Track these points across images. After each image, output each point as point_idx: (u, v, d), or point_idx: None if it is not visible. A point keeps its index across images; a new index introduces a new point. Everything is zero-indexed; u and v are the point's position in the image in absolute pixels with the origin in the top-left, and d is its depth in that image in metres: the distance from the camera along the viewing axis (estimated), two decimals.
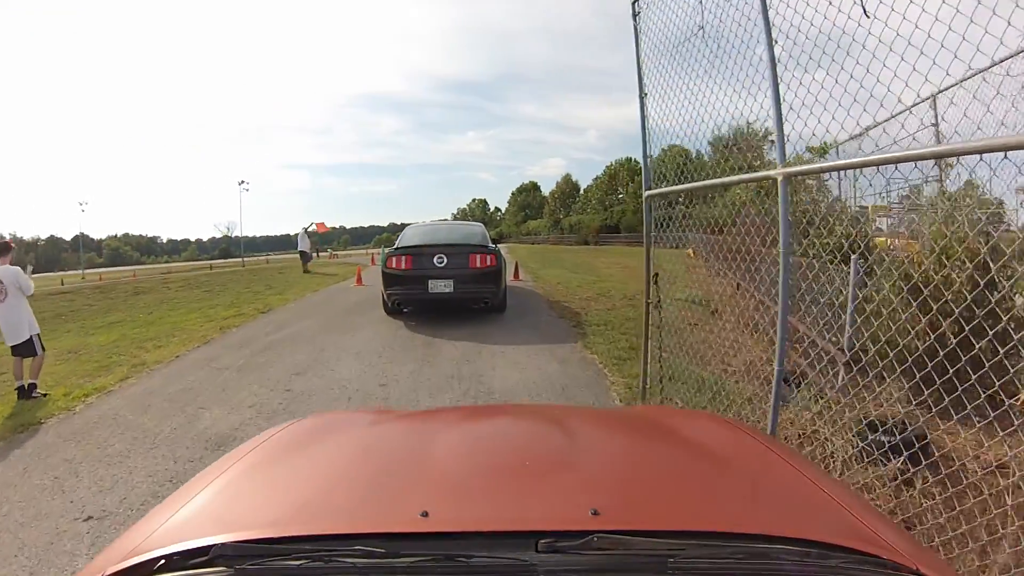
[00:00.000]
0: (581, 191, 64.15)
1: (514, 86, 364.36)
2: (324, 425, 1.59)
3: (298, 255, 19.80)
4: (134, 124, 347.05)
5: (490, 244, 8.96)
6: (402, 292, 8.45)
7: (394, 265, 8.32)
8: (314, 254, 57.74)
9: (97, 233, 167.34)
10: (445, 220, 17.15)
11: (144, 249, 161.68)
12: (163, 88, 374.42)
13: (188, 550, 0.84)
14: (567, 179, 66.40)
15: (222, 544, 0.82)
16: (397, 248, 8.62)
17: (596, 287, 12.03)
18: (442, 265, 8.15)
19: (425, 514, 0.88)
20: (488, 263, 8.37)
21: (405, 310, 8.91)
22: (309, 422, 1.57)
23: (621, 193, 54.43)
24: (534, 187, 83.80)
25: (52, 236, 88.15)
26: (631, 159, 54.68)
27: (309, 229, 20.31)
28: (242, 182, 68.10)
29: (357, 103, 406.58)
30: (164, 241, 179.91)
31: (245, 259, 68.28)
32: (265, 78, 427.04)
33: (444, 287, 8.08)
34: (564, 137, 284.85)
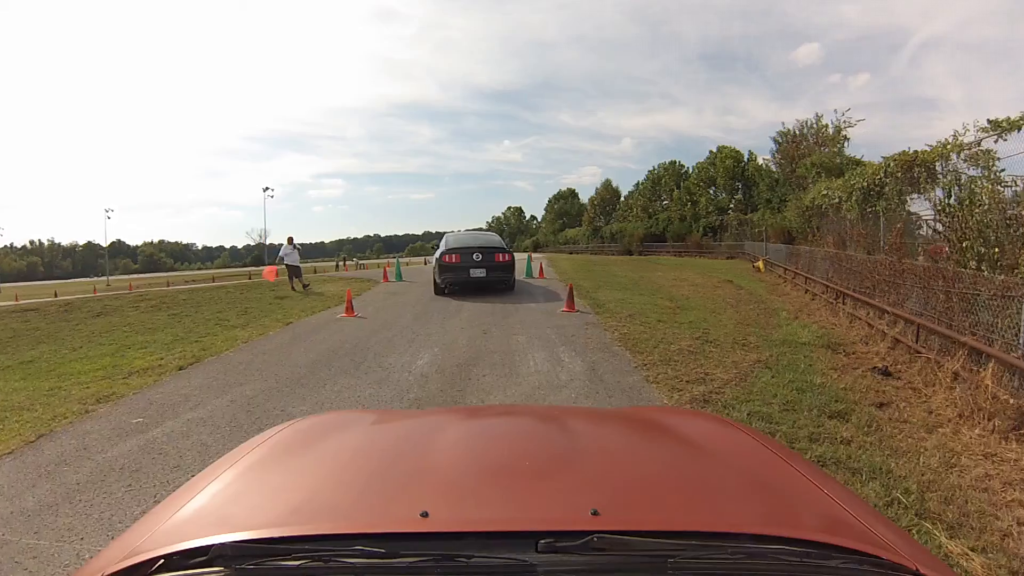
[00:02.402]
0: (622, 198, 60.53)
1: (550, 94, 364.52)
2: (324, 425, 1.57)
3: (289, 268, 16.93)
4: (174, 132, 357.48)
5: (506, 247, 13.80)
6: (453, 276, 12.87)
7: (448, 260, 12.83)
8: (341, 263, 56.77)
9: (134, 240, 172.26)
10: (471, 230, 18.50)
11: (178, 256, 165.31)
12: (205, 96, 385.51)
13: (187, 550, 0.85)
14: (607, 185, 62.71)
15: (221, 544, 0.83)
16: (448, 249, 13.02)
17: (687, 324, 9.04)
18: (479, 260, 12.76)
19: (425, 514, 0.89)
20: (507, 259, 13.25)
21: (453, 291, 13.15)
22: (309, 422, 1.58)
23: (665, 199, 50.78)
24: (572, 194, 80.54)
25: (90, 242, 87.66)
26: (676, 162, 51.23)
27: (294, 242, 17.30)
28: (267, 188, 68.01)
29: (396, 112, 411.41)
30: (199, 248, 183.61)
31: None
32: (305, 86, 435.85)
33: (480, 273, 12.73)
34: (599, 145, 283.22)
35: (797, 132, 30.23)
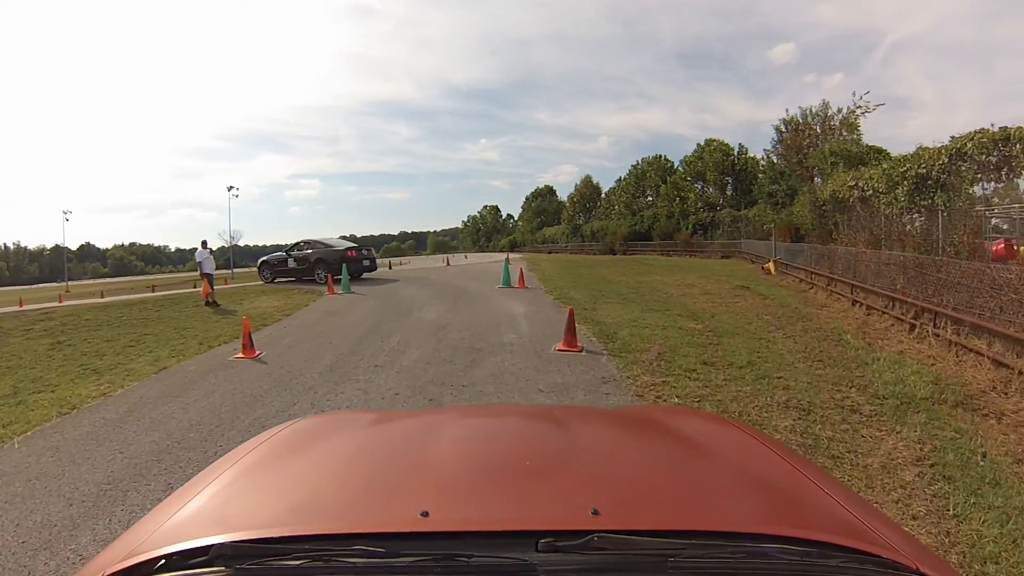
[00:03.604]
0: (603, 195, 57.75)
1: (527, 93, 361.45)
2: (324, 425, 1.55)
3: (207, 277, 13.89)
4: (144, 131, 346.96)
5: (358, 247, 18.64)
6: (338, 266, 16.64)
7: (350, 254, 17.55)
8: None
9: (105, 242, 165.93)
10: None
11: (150, 259, 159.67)
12: (177, 95, 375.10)
13: (187, 550, 0.84)
14: (587, 181, 59.67)
15: (221, 544, 0.82)
16: (348, 248, 18.16)
17: (747, 370, 6.03)
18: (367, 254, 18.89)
19: (425, 514, 0.88)
20: (371, 254, 19.51)
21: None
22: (309, 422, 1.55)
23: (651, 195, 48.14)
24: (550, 191, 77.17)
25: (57, 246, 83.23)
26: (661, 156, 48.45)
27: (208, 245, 14.18)
28: (231, 188, 63.77)
29: (370, 111, 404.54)
30: (172, 250, 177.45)
31: (236, 271, 63.98)
32: (280, 85, 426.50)
33: (368, 264, 18.62)
34: (576, 144, 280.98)
35: (800, 120, 27.50)
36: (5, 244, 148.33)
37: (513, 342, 7.56)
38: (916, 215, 12.49)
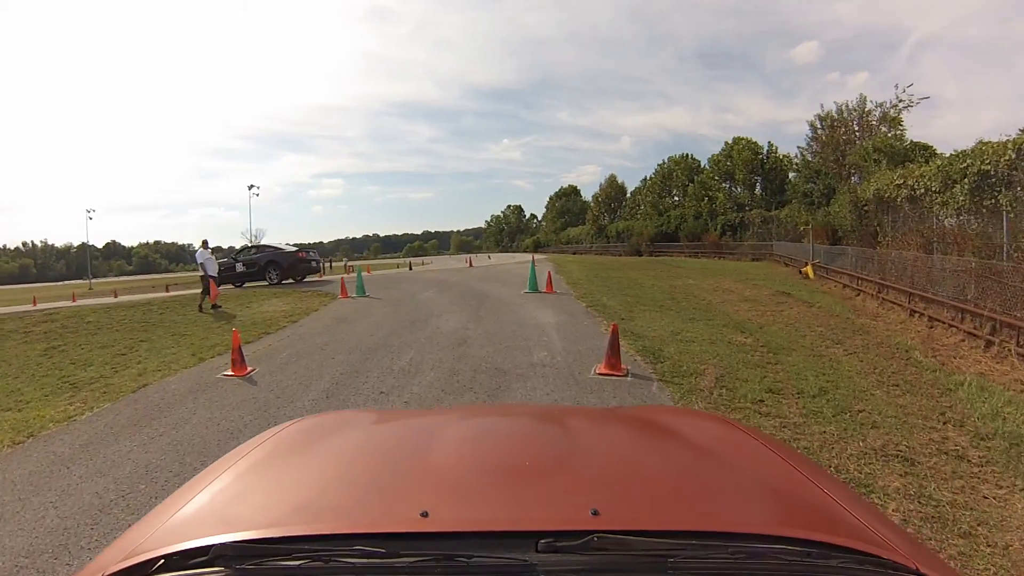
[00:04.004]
0: (628, 194, 56.66)
1: (548, 93, 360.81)
2: (324, 425, 1.51)
3: (211, 279, 13.55)
4: (169, 132, 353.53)
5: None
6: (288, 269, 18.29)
7: (301, 255, 19.02)
8: (327, 264, 53.75)
9: (130, 241, 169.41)
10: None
11: (173, 257, 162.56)
12: (201, 97, 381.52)
13: (188, 550, 0.84)
14: (612, 181, 58.59)
15: (222, 544, 0.82)
16: (298, 248, 19.59)
17: (822, 400, 5.36)
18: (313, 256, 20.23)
19: (425, 514, 0.87)
20: (315, 255, 20.77)
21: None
22: (309, 422, 1.53)
23: (677, 195, 47.01)
24: (574, 191, 76.52)
25: (83, 244, 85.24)
26: (688, 155, 47.25)
27: (209, 245, 13.75)
28: (252, 187, 63.91)
29: (392, 111, 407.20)
30: (195, 249, 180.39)
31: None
32: (301, 86, 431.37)
33: (314, 265, 20.09)
34: (598, 144, 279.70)
35: (836, 116, 26.28)
36: (33, 242, 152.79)
37: (545, 362, 6.59)
38: (972, 216, 11.56)
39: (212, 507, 1.02)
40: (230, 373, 6.91)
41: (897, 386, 5.69)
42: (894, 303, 11.16)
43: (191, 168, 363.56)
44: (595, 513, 0.87)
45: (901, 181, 14.77)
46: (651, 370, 6.10)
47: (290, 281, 19.03)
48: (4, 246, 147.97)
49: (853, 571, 0.79)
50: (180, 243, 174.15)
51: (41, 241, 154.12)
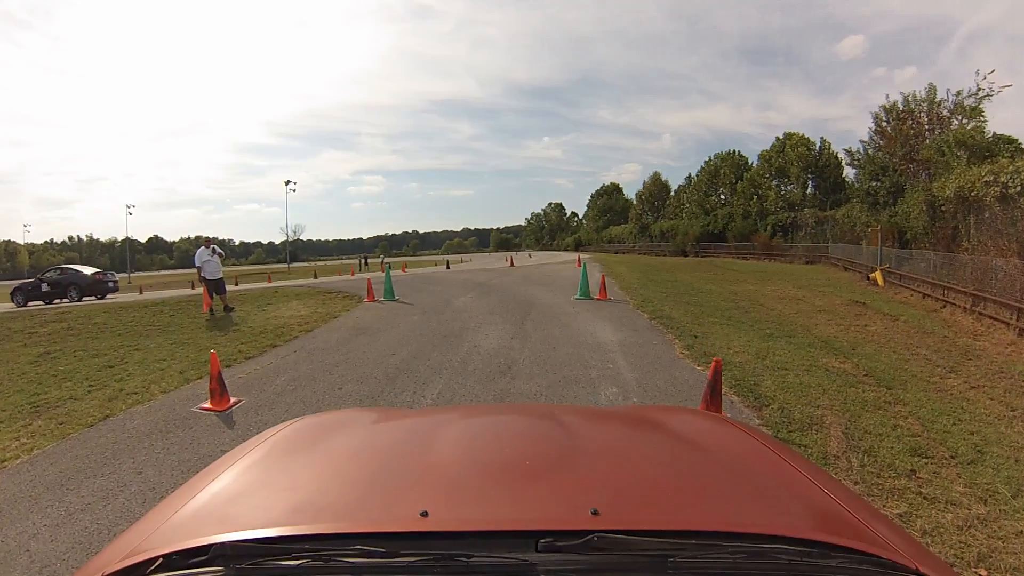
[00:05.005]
0: (672, 192, 55.07)
1: (589, 91, 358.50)
2: (323, 425, 1.50)
3: (207, 283, 13.04)
4: (217, 130, 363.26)
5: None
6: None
7: (98, 277, 21.35)
8: (363, 263, 53.84)
9: (171, 235, 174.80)
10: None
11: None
12: (246, 94, 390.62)
13: (187, 550, 0.83)
14: (656, 179, 57.00)
15: (221, 544, 0.81)
16: (95, 273, 21.59)
17: (937, 443, 4.53)
18: (111, 277, 22.15)
19: (425, 514, 0.87)
20: (113, 276, 22.43)
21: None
22: (309, 422, 1.53)
23: (724, 194, 45.37)
24: (616, 189, 75.24)
25: (128, 238, 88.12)
26: (735, 152, 45.49)
27: (212, 245, 13.39)
28: (288, 182, 64.86)
29: (433, 108, 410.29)
30: (236, 244, 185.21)
31: (293, 266, 65.21)
32: (344, 83, 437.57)
33: (112, 286, 22.04)
34: (639, 142, 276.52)
35: (902, 108, 24.43)
36: (79, 236, 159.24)
37: (615, 402, 5.28)
38: None
39: (212, 507, 1.01)
40: (208, 406, 5.75)
41: None
42: (994, 319, 9.94)
43: (236, 165, 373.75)
44: (595, 513, 0.86)
45: (991, 178, 13.40)
46: (757, 418, 4.84)
47: (277, 284, 21.02)
48: (52, 240, 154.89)
49: (853, 571, 0.78)
50: (221, 238, 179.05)
51: (87, 235, 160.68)
